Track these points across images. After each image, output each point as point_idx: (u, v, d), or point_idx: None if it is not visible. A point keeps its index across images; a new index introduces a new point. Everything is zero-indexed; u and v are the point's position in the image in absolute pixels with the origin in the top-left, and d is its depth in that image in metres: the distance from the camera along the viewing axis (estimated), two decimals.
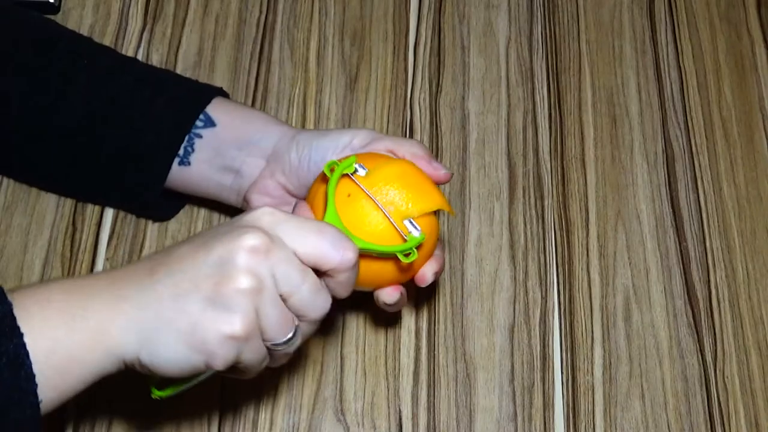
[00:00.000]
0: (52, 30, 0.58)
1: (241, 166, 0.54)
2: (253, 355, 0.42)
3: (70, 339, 0.40)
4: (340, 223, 0.46)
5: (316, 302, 0.43)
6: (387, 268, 0.49)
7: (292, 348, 0.44)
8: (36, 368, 0.38)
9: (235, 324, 0.40)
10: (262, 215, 0.43)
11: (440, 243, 0.52)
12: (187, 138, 0.54)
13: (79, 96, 0.55)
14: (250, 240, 0.41)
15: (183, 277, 0.41)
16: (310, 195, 0.50)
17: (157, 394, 0.45)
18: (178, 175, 0.56)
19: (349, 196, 0.47)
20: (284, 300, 0.42)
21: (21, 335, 0.38)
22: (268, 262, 0.41)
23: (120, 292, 0.41)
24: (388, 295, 0.50)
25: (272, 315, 0.42)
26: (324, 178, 0.49)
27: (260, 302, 0.41)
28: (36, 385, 0.38)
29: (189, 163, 0.55)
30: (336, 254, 0.43)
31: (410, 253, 0.46)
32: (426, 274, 0.50)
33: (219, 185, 0.56)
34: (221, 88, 0.59)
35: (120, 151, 0.55)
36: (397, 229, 0.47)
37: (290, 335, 0.43)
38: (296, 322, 0.43)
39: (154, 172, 0.55)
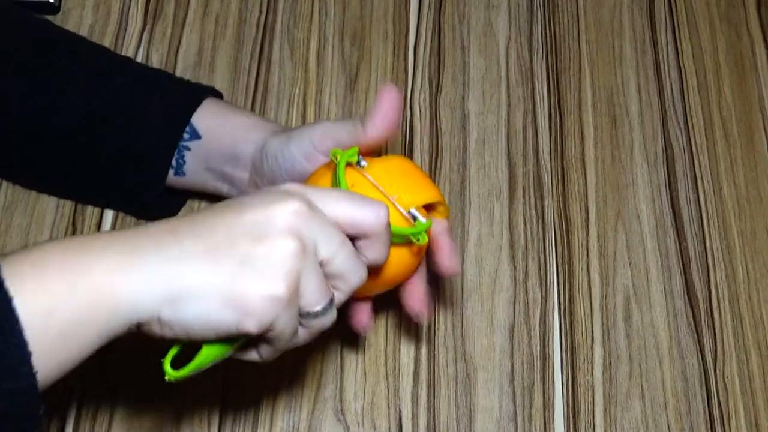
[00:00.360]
0: (51, 30, 0.58)
1: (232, 177, 0.55)
2: (287, 322, 0.40)
3: (70, 299, 0.36)
4: None
5: (354, 267, 0.42)
6: (398, 256, 0.49)
7: (326, 320, 0.43)
8: (31, 333, 0.35)
9: (278, 285, 0.38)
10: (291, 185, 0.42)
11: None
12: (177, 151, 0.55)
13: (79, 96, 0.55)
14: (292, 203, 0.40)
15: (214, 235, 0.39)
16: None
17: (171, 374, 0.41)
18: (176, 182, 0.56)
19: (352, 186, 0.48)
20: (323, 265, 0.41)
21: (9, 299, 0.35)
22: (310, 225, 0.40)
23: (133, 249, 0.38)
24: (416, 301, 0.51)
25: (313, 279, 0.40)
26: (330, 165, 0.49)
27: (303, 265, 0.40)
28: (30, 353, 0.35)
29: (184, 174, 0.56)
30: (371, 214, 0.42)
31: (421, 238, 0.47)
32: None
33: (217, 190, 0.57)
34: (212, 87, 0.58)
35: (120, 151, 0.55)
36: (404, 215, 0.47)
37: (327, 303, 0.42)
38: (332, 293, 0.42)
39: (154, 172, 0.56)
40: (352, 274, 0.42)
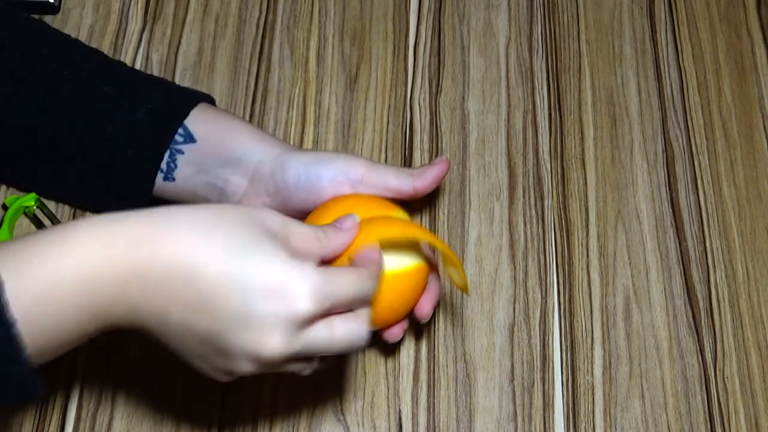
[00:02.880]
0: (37, 35, 0.57)
1: (225, 185, 0.54)
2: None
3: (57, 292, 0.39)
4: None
5: (306, 370, 0.47)
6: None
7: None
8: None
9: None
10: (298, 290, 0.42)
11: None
12: (168, 154, 0.54)
13: (65, 104, 0.54)
14: (276, 338, 0.42)
15: (193, 337, 0.42)
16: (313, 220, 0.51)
17: None
18: (165, 190, 0.55)
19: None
20: None
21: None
22: (281, 366, 0.45)
23: (130, 298, 0.41)
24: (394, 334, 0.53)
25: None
26: (346, 197, 0.51)
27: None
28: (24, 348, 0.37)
29: (174, 179, 0.54)
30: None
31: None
32: (424, 307, 0.53)
33: (206, 200, 0.55)
34: (203, 93, 0.58)
35: (105, 164, 0.55)
36: None
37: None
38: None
39: (139, 186, 0.55)
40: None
